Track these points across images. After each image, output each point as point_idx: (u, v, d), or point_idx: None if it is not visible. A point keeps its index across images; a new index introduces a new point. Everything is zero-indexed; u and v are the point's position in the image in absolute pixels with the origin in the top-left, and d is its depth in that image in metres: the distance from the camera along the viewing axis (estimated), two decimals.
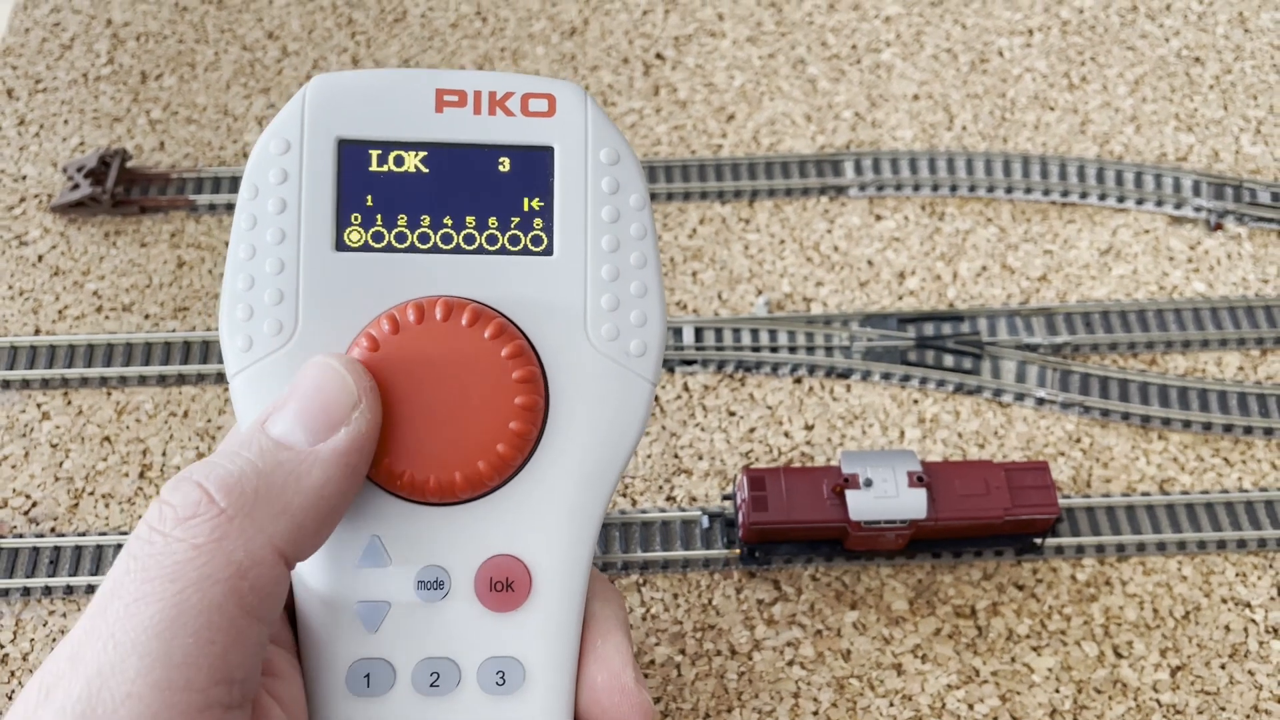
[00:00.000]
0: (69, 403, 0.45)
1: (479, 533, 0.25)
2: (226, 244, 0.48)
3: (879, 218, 0.50)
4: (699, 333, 0.46)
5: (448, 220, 0.26)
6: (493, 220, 0.26)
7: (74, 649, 0.21)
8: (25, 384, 0.45)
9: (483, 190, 0.26)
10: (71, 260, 0.48)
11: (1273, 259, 0.49)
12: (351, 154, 0.26)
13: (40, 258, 0.48)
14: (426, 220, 0.26)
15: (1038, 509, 0.39)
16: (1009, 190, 0.50)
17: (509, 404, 0.25)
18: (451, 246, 0.26)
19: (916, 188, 0.50)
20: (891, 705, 0.39)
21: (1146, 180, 0.50)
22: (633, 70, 0.54)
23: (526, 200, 0.26)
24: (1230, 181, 0.50)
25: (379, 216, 0.26)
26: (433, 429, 0.25)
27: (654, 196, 0.50)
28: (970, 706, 0.39)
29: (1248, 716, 0.39)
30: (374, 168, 0.26)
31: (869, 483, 0.39)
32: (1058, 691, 0.39)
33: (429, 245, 0.26)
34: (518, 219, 0.26)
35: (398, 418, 0.25)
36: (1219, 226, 0.49)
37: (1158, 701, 0.39)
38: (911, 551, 0.41)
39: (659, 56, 0.55)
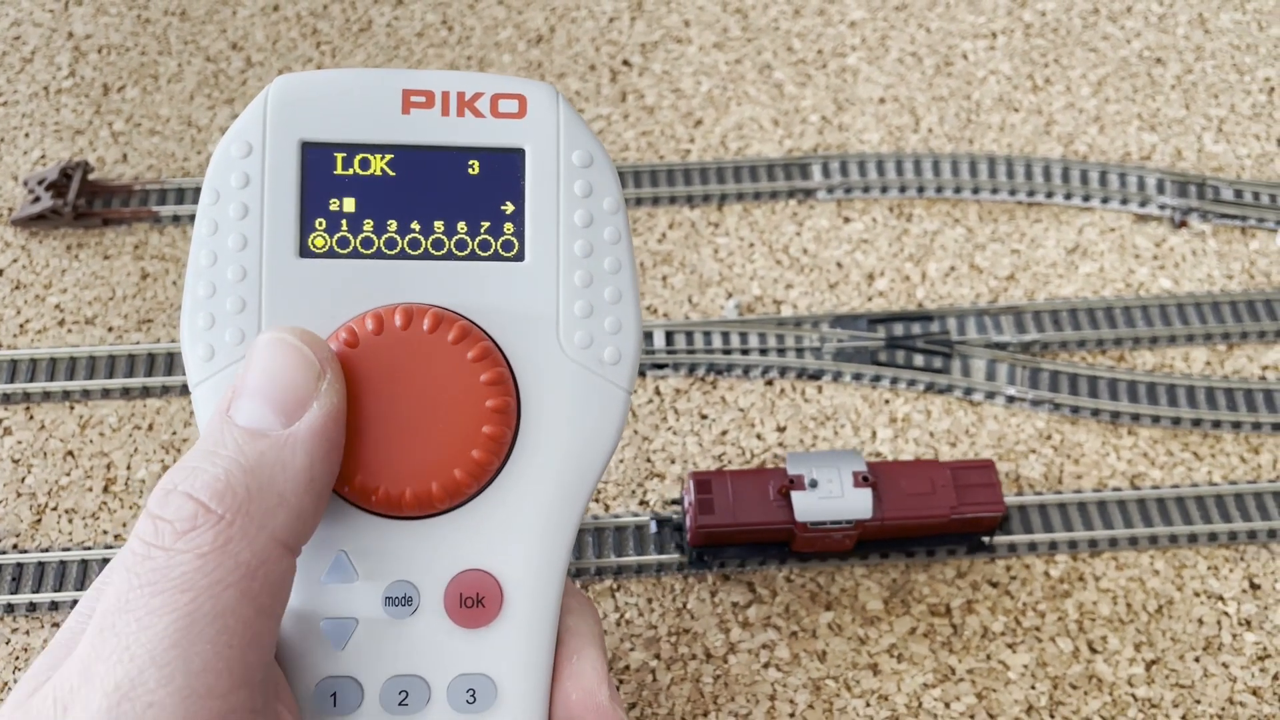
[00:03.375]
0: (31, 417, 0.44)
1: (449, 547, 0.25)
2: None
3: (847, 220, 0.50)
4: (670, 336, 0.46)
5: (415, 225, 0.25)
6: (462, 225, 0.26)
7: (84, 665, 0.21)
8: None
9: (451, 194, 0.26)
10: (33, 274, 0.48)
11: (1237, 255, 0.49)
12: (316, 157, 0.25)
13: (1, 272, 0.48)
14: (393, 225, 0.25)
15: (983, 507, 0.39)
16: (975, 191, 0.50)
17: (480, 408, 0.24)
18: (419, 252, 0.25)
19: (884, 190, 0.50)
20: (868, 705, 0.39)
21: (1111, 179, 0.51)
22: (600, 77, 0.54)
23: (497, 204, 0.26)
24: (1194, 179, 0.51)
25: (344, 222, 0.25)
26: (403, 440, 0.24)
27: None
28: (947, 705, 0.39)
29: (1223, 709, 0.39)
30: (339, 171, 0.25)
31: (814, 484, 0.38)
32: (1033, 688, 0.39)
33: (396, 251, 0.25)
34: (488, 223, 0.26)
35: (364, 432, 0.24)
36: (1183, 224, 0.50)
37: (1133, 696, 0.39)
38: (862, 552, 0.41)
39: (626, 63, 0.55)
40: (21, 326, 0.46)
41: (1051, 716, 0.38)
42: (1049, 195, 0.50)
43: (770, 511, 0.39)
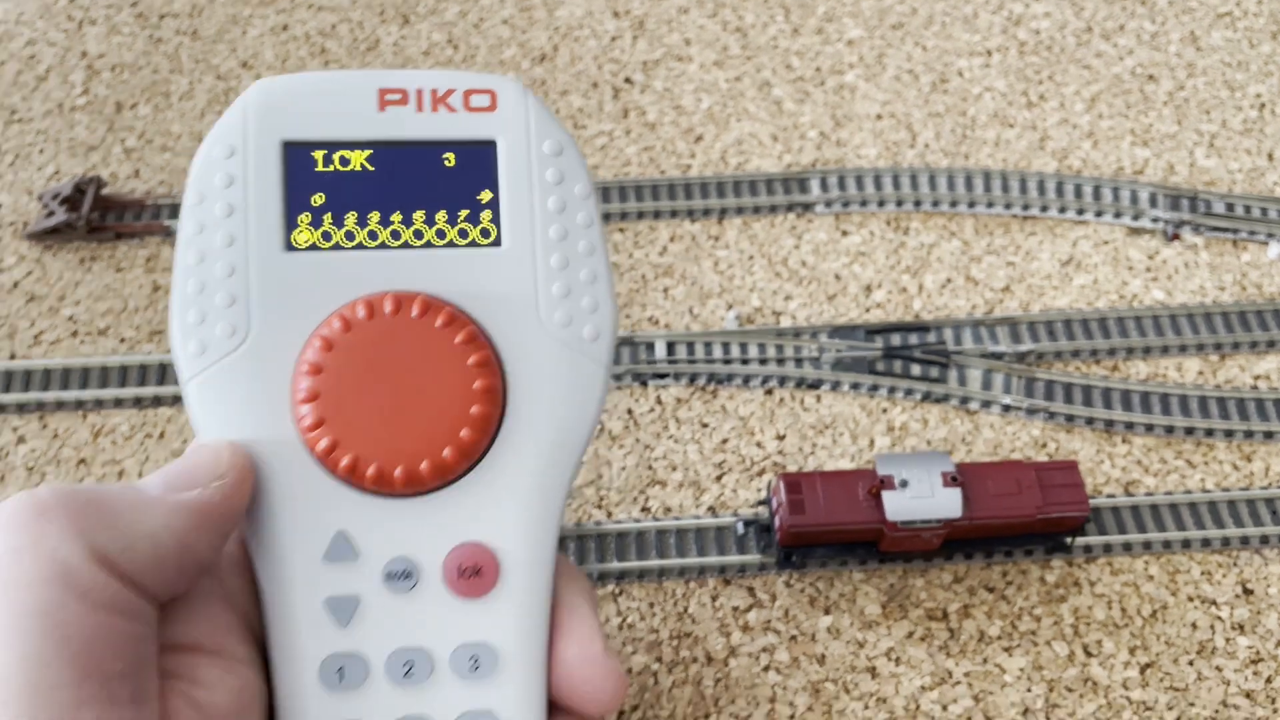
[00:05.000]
0: (44, 426, 0.45)
1: (444, 522, 0.26)
2: None
3: (845, 233, 0.51)
4: (671, 347, 0.47)
5: (396, 217, 0.26)
6: (440, 215, 0.27)
7: None
8: (0, 409, 0.45)
9: (429, 186, 0.27)
10: (47, 286, 0.49)
11: (1229, 267, 0.50)
12: (296, 155, 0.26)
13: (15, 284, 0.49)
14: (375, 217, 0.26)
15: (1068, 507, 0.40)
16: (971, 205, 0.51)
17: (468, 389, 0.25)
18: (400, 242, 0.26)
19: (881, 203, 0.51)
20: (867, 708, 0.39)
21: (1105, 193, 0.52)
22: (602, 94, 0.55)
23: (473, 194, 0.27)
24: (1186, 193, 0.52)
25: (327, 216, 0.26)
26: (395, 421, 0.25)
27: (625, 216, 0.51)
28: (944, 707, 0.39)
29: (1216, 711, 0.39)
30: (320, 168, 0.26)
31: (905, 484, 0.39)
32: (1029, 691, 0.40)
33: (378, 242, 0.26)
34: (465, 212, 0.27)
35: (358, 414, 0.25)
36: (1176, 237, 0.51)
37: (1128, 699, 0.39)
38: (947, 552, 0.41)
39: (628, 80, 0.56)
40: (36, 338, 0.47)
41: (1047, 719, 0.39)
42: (1043, 209, 0.51)
43: (860, 511, 0.39)
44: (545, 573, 0.26)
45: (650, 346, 0.47)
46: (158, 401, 0.46)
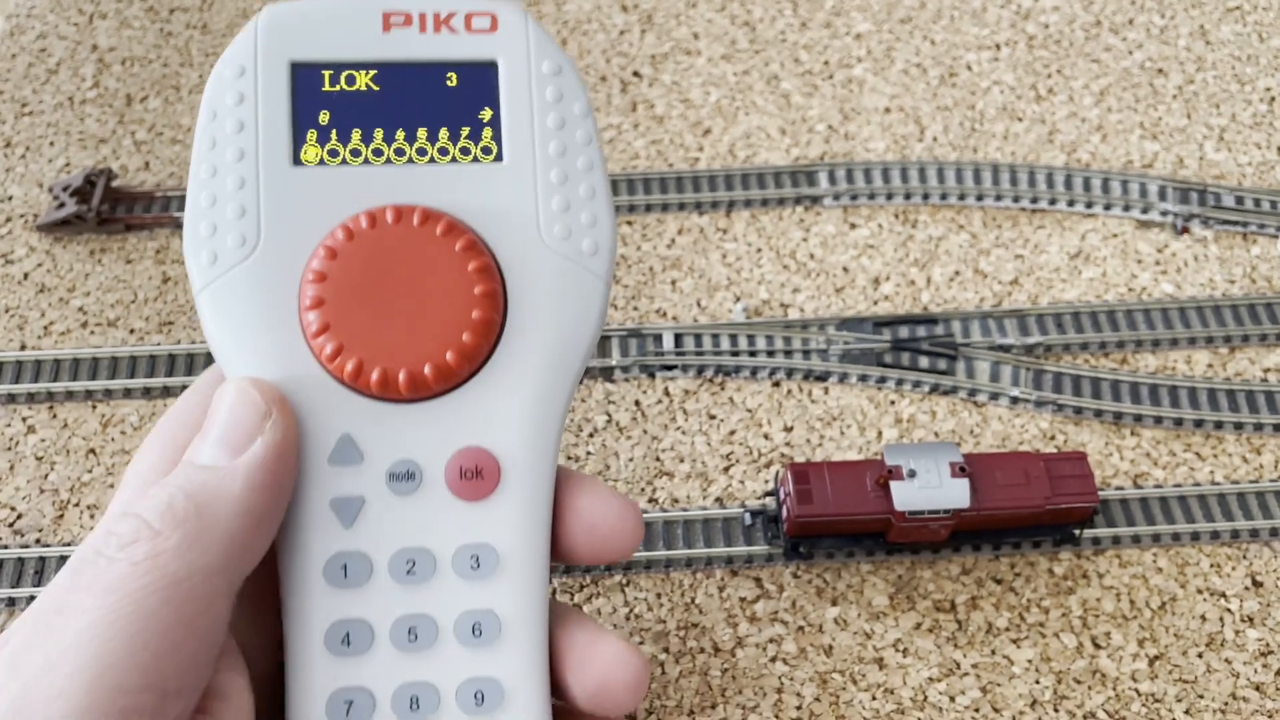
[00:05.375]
0: (54, 416, 0.45)
1: (447, 426, 0.26)
2: None
3: (853, 226, 0.51)
4: (679, 339, 0.47)
5: (400, 134, 0.27)
6: (443, 132, 0.27)
7: (11, 658, 0.22)
8: (10, 399, 0.45)
9: (432, 104, 0.27)
10: (57, 277, 0.49)
11: (1238, 260, 0.50)
12: (304, 75, 0.27)
13: (26, 275, 0.49)
14: (380, 135, 0.27)
15: (1077, 498, 0.40)
16: (979, 198, 0.51)
17: (469, 295, 0.26)
18: (405, 159, 0.27)
19: (889, 196, 0.51)
20: (874, 699, 0.39)
21: (1114, 186, 0.51)
22: (610, 88, 0.55)
23: (474, 112, 0.27)
24: (1195, 186, 0.52)
25: (334, 133, 0.27)
26: (398, 327, 0.25)
27: (633, 209, 0.51)
28: (952, 699, 0.39)
29: (1226, 704, 0.39)
30: (326, 88, 0.27)
31: (912, 474, 0.39)
32: (1037, 682, 0.39)
33: (383, 158, 0.27)
34: (467, 129, 0.27)
35: (362, 320, 0.25)
36: (1185, 230, 0.51)
37: (1136, 691, 0.39)
38: (955, 543, 0.41)
39: (636, 74, 0.56)
40: (46, 328, 0.47)
41: (1055, 710, 0.39)
42: (1052, 202, 0.51)
43: (868, 502, 0.39)
44: (546, 478, 0.27)
45: (658, 338, 0.47)
46: (166, 392, 0.46)
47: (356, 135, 0.27)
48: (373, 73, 0.27)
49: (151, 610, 0.22)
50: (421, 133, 0.27)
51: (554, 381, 0.27)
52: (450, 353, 0.25)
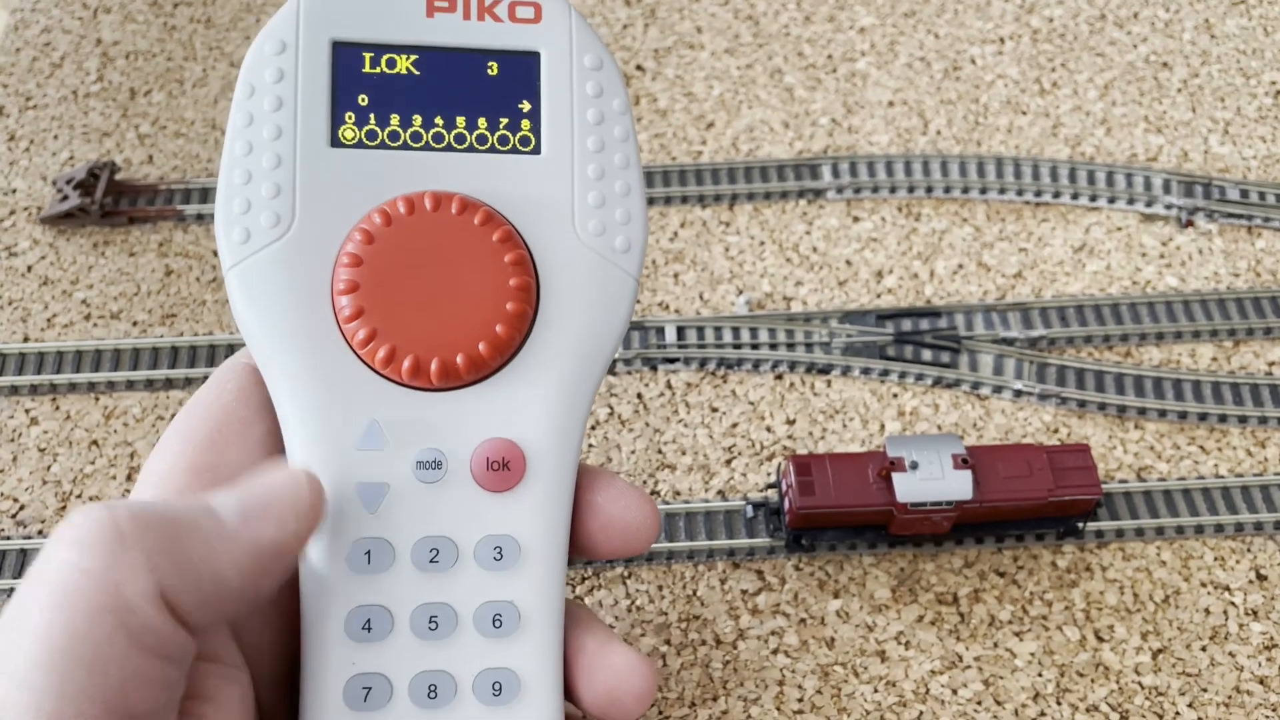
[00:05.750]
0: (57, 408, 0.45)
1: (475, 417, 0.26)
2: (214, 253, 0.49)
3: (856, 219, 0.51)
4: (681, 331, 0.47)
5: (439, 120, 0.27)
6: (482, 121, 0.27)
7: None
8: (14, 390, 0.45)
9: (472, 92, 0.27)
10: (60, 270, 0.49)
11: (1243, 254, 0.50)
12: (345, 55, 0.27)
13: (29, 268, 0.49)
14: (418, 120, 0.27)
15: (1080, 489, 0.40)
16: (983, 191, 0.51)
17: (504, 286, 0.26)
18: (443, 145, 0.27)
19: (893, 190, 0.51)
20: (876, 691, 0.39)
21: (1118, 179, 0.51)
22: None
23: (514, 102, 0.27)
24: (1200, 180, 0.51)
25: (372, 115, 0.27)
26: (432, 315, 0.25)
27: (646, 192, 0.51)
28: (954, 691, 0.39)
29: (1229, 697, 0.39)
30: (367, 69, 0.27)
31: (915, 465, 0.39)
32: (1040, 675, 0.39)
33: (421, 144, 0.27)
34: (506, 119, 0.27)
35: (395, 307, 0.25)
36: (1190, 223, 0.50)
37: (1140, 684, 0.39)
38: (957, 536, 0.41)
39: (639, 68, 0.56)
40: (49, 320, 0.47)
41: (1058, 704, 0.39)
42: (1056, 195, 0.51)
43: (871, 493, 0.39)
44: (569, 472, 0.27)
45: (660, 331, 0.47)
46: (169, 384, 0.46)
47: (395, 119, 0.27)
48: (414, 57, 0.27)
49: (106, 636, 0.20)
50: (460, 120, 0.27)
51: (582, 376, 0.27)
52: (483, 343, 0.25)
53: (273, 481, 0.24)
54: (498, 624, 0.26)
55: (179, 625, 0.22)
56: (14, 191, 0.51)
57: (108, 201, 0.50)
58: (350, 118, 0.27)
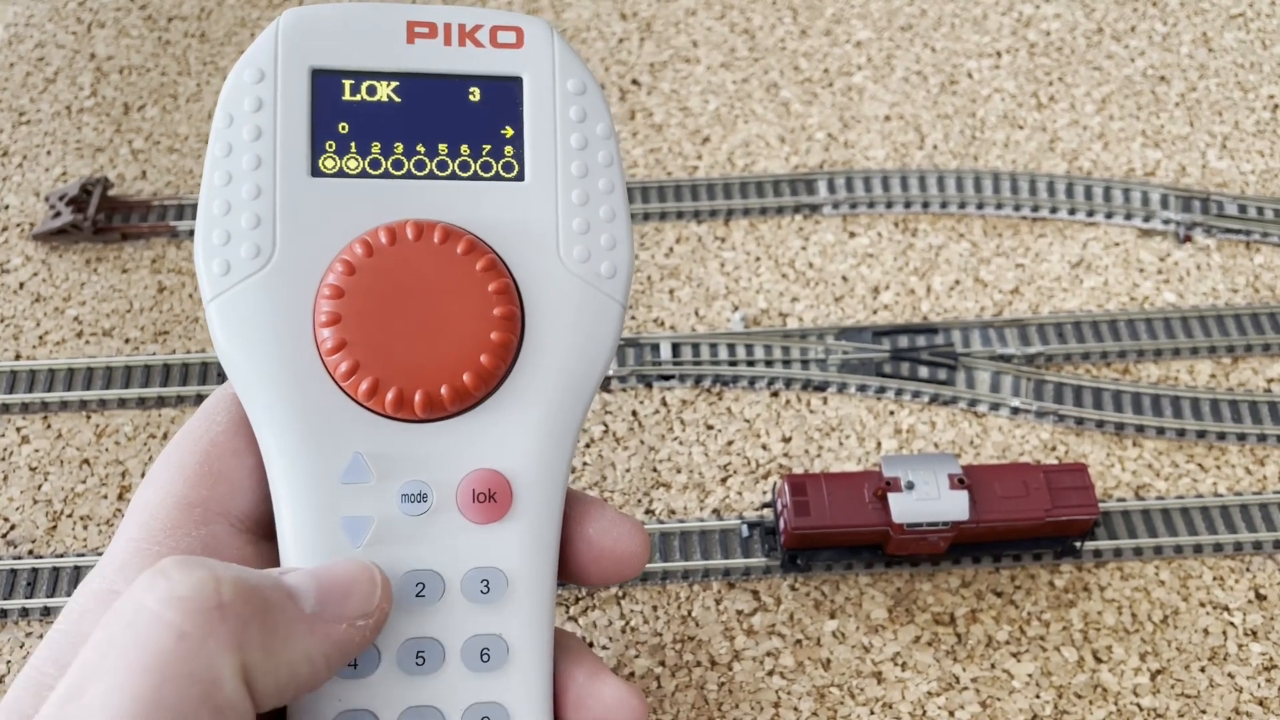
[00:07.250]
0: (48, 426, 0.45)
1: (460, 448, 0.26)
2: None
3: (852, 235, 0.51)
4: (676, 348, 0.47)
5: (421, 147, 0.27)
6: (465, 147, 0.27)
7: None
8: (5, 408, 0.45)
9: (454, 119, 0.27)
10: (52, 287, 0.49)
11: (1241, 269, 0.49)
12: (325, 83, 0.26)
13: (21, 285, 0.49)
14: (400, 148, 0.27)
15: (1077, 510, 0.39)
16: (980, 206, 0.51)
17: (487, 316, 0.25)
18: (425, 173, 0.27)
19: (889, 205, 0.51)
20: (872, 713, 0.39)
21: (1115, 194, 0.51)
22: (609, 95, 0.55)
23: (497, 128, 0.27)
24: (1198, 195, 0.51)
25: (353, 144, 0.26)
26: (415, 346, 0.25)
27: (631, 217, 0.51)
28: (951, 713, 0.39)
29: (1229, 718, 0.39)
30: (347, 97, 0.27)
31: (910, 485, 0.39)
32: (1038, 697, 0.39)
33: (403, 171, 0.26)
34: (489, 146, 0.27)
35: (378, 338, 0.25)
36: (1188, 238, 0.50)
37: (1138, 705, 0.39)
38: (954, 555, 0.41)
39: (635, 82, 0.56)
40: (41, 338, 0.47)
41: None
42: (1053, 210, 0.51)
43: (866, 514, 0.39)
44: (557, 503, 0.26)
45: (655, 348, 0.47)
46: (161, 402, 0.45)
47: (376, 147, 0.26)
48: (395, 84, 0.27)
49: (191, 708, 0.20)
50: (442, 147, 0.27)
51: (568, 404, 0.26)
52: (467, 374, 0.25)
53: (345, 573, 0.24)
54: (485, 658, 0.25)
55: (252, 706, 0.22)
56: (6, 208, 0.51)
57: (100, 218, 0.49)
58: (331, 146, 0.26)
